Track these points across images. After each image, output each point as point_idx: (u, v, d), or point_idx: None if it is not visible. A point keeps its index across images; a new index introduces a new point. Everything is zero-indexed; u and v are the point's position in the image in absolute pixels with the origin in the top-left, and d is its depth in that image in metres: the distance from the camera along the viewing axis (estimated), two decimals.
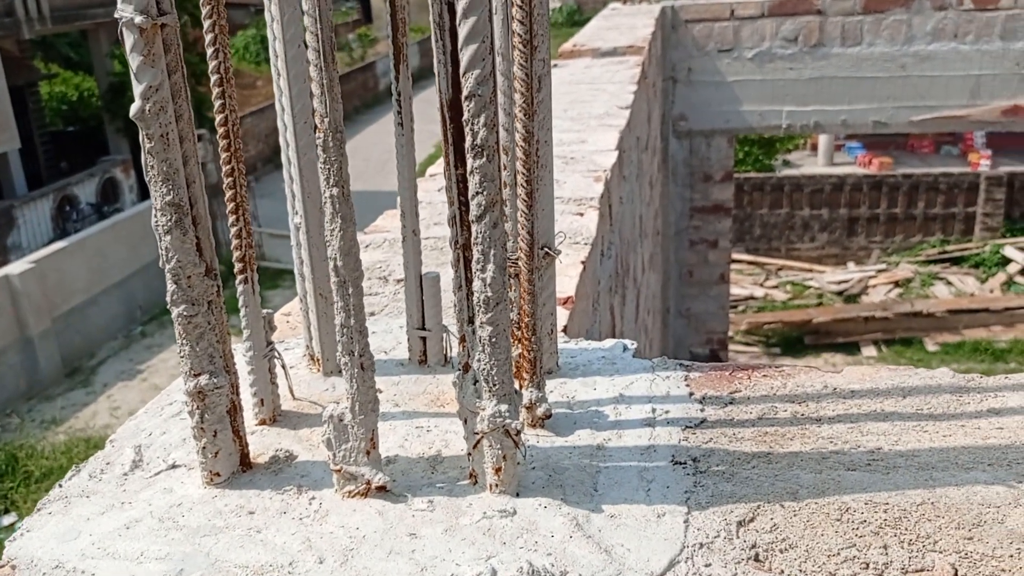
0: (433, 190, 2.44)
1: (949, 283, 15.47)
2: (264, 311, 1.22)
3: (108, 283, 14.62)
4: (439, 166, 2.65)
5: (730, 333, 9.78)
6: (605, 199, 2.35)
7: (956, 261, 16.28)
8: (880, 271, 16.03)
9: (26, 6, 15.58)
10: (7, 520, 9.51)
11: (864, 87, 6.58)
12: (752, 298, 15.15)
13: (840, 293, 15.31)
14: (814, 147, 20.99)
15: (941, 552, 0.93)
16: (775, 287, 15.77)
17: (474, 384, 1.02)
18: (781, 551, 0.94)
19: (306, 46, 0.97)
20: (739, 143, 16.58)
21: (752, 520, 0.99)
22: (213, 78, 1.05)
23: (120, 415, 12.05)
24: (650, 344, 4.85)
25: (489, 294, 0.96)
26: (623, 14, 6.98)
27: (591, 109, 3.43)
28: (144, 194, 17.86)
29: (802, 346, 13.39)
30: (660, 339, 6.46)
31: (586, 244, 1.97)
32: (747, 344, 13.46)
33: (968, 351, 12.96)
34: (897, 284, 15.47)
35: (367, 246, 2.04)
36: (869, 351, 13.21)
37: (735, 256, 14.58)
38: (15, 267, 13.04)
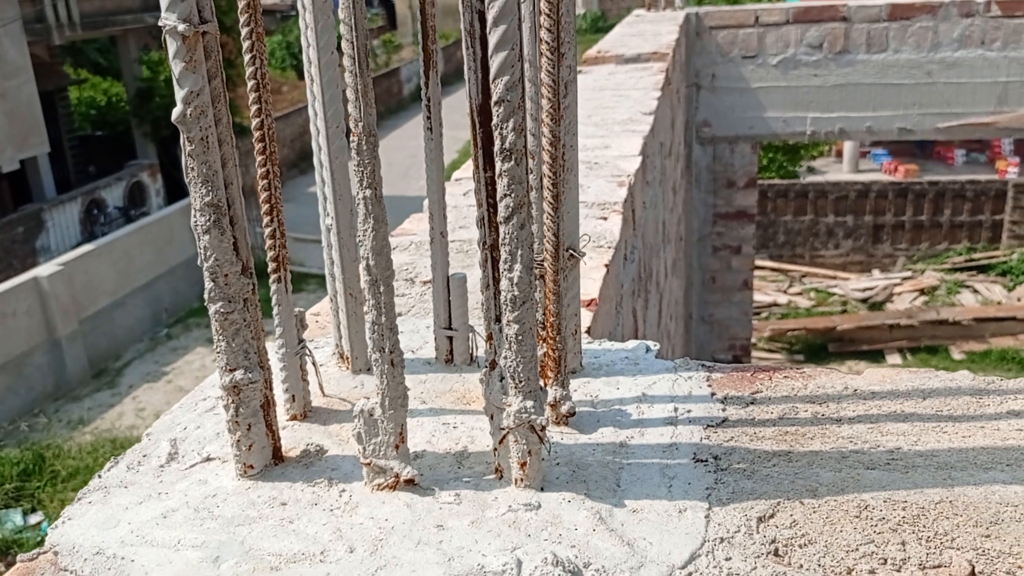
0: (459, 194, 2.47)
1: (976, 291, 15.33)
2: (296, 310, 1.25)
3: (134, 286, 14.82)
4: (465, 170, 2.68)
5: (753, 340, 9.75)
6: (628, 204, 2.37)
7: (983, 269, 16.13)
8: (905, 279, 15.91)
9: (56, 12, 15.84)
10: (34, 519, 9.64)
11: (889, 94, 6.56)
12: (776, 305, 15.08)
13: (865, 300, 15.21)
14: (839, 154, 20.87)
15: (959, 549, 0.94)
16: (799, 294, 15.70)
17: (500, 381, 1.05)
18: (800, 546, 0.96)
19: (340, 53, 1.00)
20: (763, 149, 16.54)
21: (772, 516, 1.01)
22: (250, 84, 1.09)
23: (145, 416, 12.19)
24: (673, 349, 4.86)
25: (516, 293, 0.99)
26: (647, 21, 7.00)
27: (615, 115, 3.46)
28: (171, 198, 18.06)
29: (826, 353, 13.32)
30: (683, 345, 6.46)
31: (609, 248, 1.99)
32: (770, 351, 13.41)
33: (995, 360, 12.84)
34: (923, 292, 15.35)
35: (394, 248, 2.07)
36: (894, 359, 13.11)
37: (758, 263, 14.54)
38: (44, 269, 13.26)
